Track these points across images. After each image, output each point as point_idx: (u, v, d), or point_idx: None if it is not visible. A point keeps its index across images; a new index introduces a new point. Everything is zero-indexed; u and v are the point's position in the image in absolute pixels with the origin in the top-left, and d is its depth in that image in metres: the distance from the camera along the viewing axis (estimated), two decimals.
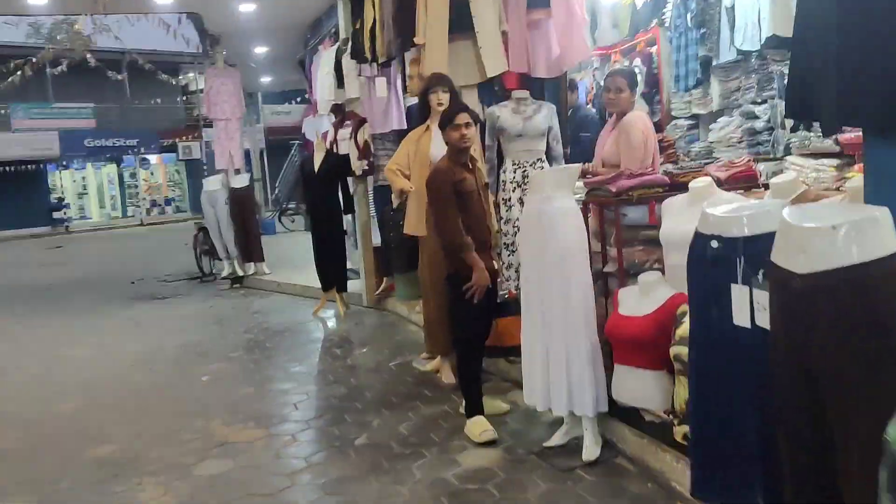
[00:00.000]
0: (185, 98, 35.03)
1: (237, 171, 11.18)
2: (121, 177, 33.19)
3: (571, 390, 3.77)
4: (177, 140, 32.49)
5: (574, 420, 3.94)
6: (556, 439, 4.00)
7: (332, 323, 8.14)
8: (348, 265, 8.71)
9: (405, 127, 7.98)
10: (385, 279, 8.60)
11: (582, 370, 3.75)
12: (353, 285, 8.74)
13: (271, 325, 8.25)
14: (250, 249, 10.98)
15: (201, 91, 35.96)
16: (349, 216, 8.64)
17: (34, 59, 16.28)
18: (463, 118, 4.27)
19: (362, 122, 8.34)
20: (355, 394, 5.40)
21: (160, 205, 34.34)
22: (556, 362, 3.79)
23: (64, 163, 29.99)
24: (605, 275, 4.46)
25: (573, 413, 3.86)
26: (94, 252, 19.90)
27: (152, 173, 34.25)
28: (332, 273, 8.40)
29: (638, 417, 3.83)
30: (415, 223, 5.24)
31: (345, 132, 8.51)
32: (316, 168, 8.25)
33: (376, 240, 8.61)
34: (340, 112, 8.84)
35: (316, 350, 7.08)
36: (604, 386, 3.83)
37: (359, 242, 8.71)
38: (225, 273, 11.21)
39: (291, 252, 14.57)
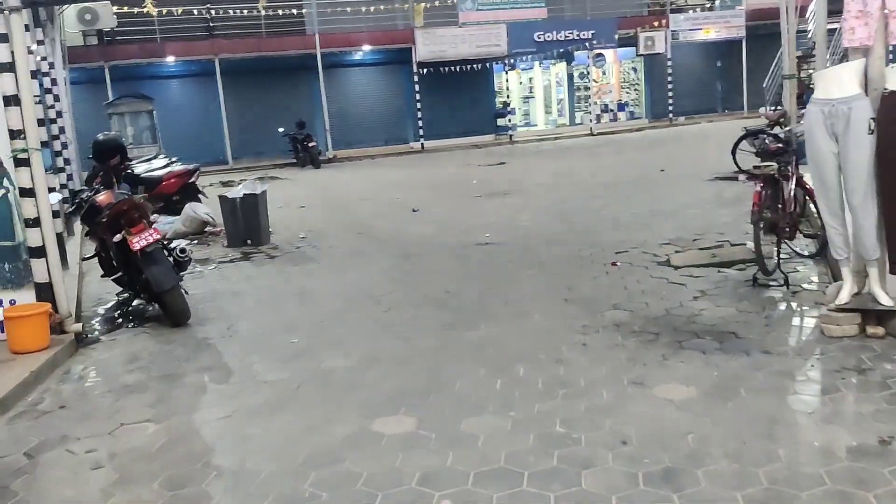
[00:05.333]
0: None
1: None
2: (570, 77, 28.38)
3: None
4: (637, 30, 26.40)
5: None
6: None
7: None
8: None
9: None
10: None
11: None
12: None
13: None
14: None
15: None
16: None
17: None
18: None
19: None
20: None
21: (612, 110, 28.94)
22: None
23: (511, 61, 26.03)
24: None
25: None
26: (540, 175, 15.02)
27: (604, 72, 28.83)
28: None
29: None
30: None
31: None
32: None
33: None
34: None
35: None
36: None
37: None
38: (844, 297, 4.70)
39: None
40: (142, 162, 15.18)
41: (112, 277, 6.53)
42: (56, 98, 13.22)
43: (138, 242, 5.72)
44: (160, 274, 5.78)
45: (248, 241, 9.64)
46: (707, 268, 6.67)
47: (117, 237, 5.82)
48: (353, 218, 11.49)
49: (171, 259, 6.13)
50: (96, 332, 5.99)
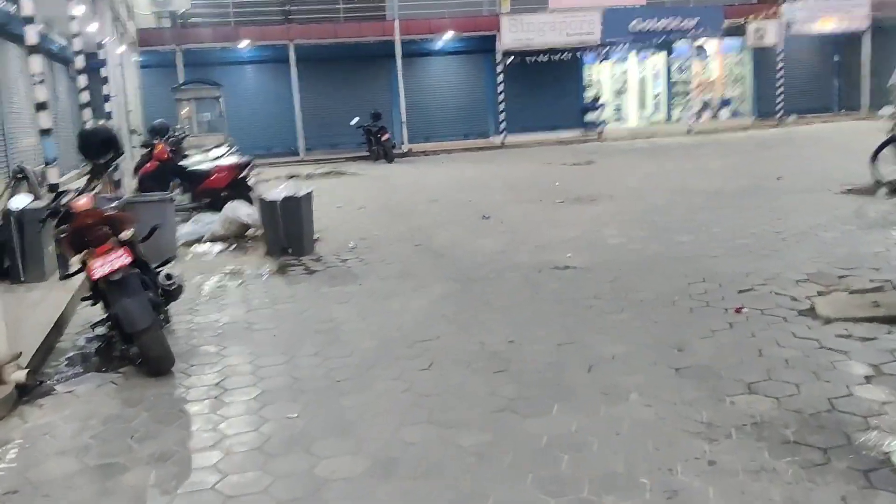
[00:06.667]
0: None
1: None
2: (668, 70, 26.13)
3: None
4: (745, 20, 23.93)
5: None
6: None
7: None
8: None
9: None
10: None
11: None
12: None
13: None
14: None
15: None
16: None
17: None
18: None
19: None
20: None
21: (712, 107, 26.53)
22: None
23: (604, 51, 23.99)
24: None
25: None
26: (632, 178, 13.18)
27: (707, 66, 26.44)
28: None
29: None
30: None
31: None
32: None
33: None
34: None
35: None
36: None
37: None
38: None
39: None
40: (201, 151, 14.17)
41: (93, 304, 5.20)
42: (105, 80, 12.24)
43: (100, 269, 4.34)
44: (132, 309, 4.38)
45: (289, 250, 8.28)
46: (870, 323, 4.85)
47: (75, 260, 4.46)
48: (414, 224, 10.00)
49: (157, 287, 4.74)
50: (56, 378, 4.66)
